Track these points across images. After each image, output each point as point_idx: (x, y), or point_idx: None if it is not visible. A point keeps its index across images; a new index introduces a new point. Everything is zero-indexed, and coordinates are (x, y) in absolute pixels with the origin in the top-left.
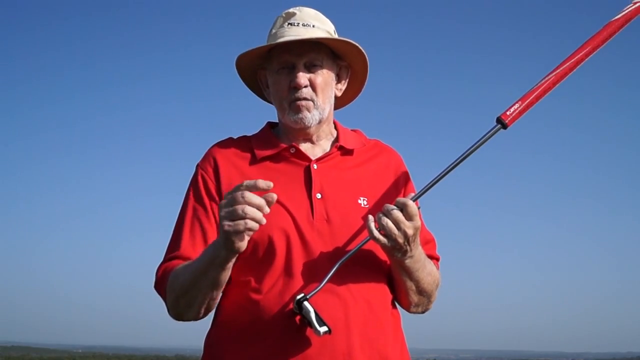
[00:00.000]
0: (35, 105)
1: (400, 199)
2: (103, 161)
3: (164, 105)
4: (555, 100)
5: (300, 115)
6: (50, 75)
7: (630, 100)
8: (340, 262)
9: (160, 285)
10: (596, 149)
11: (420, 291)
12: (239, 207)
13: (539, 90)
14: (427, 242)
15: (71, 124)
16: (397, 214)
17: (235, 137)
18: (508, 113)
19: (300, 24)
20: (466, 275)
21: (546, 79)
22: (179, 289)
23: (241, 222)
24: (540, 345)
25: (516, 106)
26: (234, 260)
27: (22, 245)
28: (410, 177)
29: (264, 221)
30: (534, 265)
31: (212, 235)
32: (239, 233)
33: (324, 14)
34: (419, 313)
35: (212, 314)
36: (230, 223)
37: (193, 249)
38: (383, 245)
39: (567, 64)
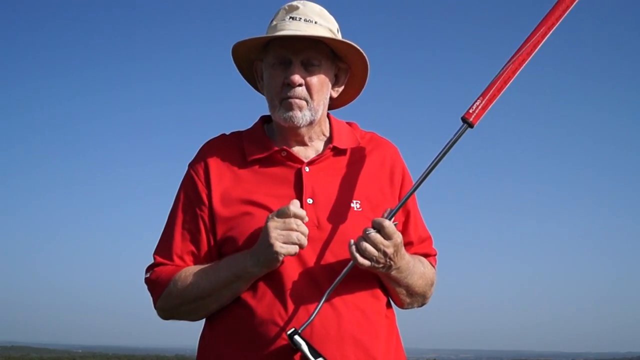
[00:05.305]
0: (36, 106)
1: (377, 219)
2: (104, 162)
3: (165, 106)
4: (554, 97)
5: (291, 114)
6: (51, 76)
7: (626, 98)
8: (328, 290)
9: (155, 287)
10: (595, 146)
11: (412, 294)
12: (294, 234)
13: (499, 81)
14: (423, 241)
15: (73, 124)
16: (375, 236)
17: (227, 134)
18: (471, 111)
19: (303, 19)
20: (466, 275)
21: (505, 68)
22: (185, 296)
23: (295, 247)
24: (540, 345)
25: (478, 102)
26: None
27: (22, 246)
28: (407, 169)
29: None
30: (534, 265)
31: (202, 241)
32: (283, 256)
33: (330, 12)
34: (415, 308)
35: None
36: (284, 246)
37: (183, 256)
38: (368, 267)
39: (524, 49)
